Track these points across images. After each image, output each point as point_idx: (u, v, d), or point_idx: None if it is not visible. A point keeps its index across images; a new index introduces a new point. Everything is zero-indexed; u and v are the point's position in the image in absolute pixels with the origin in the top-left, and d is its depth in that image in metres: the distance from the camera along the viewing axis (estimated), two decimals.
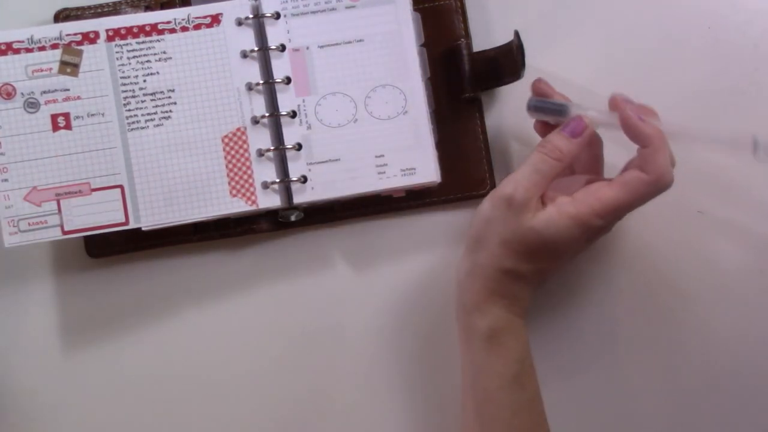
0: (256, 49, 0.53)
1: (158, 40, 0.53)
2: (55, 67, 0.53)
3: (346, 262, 0.57)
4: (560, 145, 0.49)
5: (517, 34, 0.52)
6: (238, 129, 0.54)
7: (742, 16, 0.58)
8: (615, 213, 0.48)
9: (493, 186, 0.55)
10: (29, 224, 0.52)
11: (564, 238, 0.48)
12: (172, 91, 0.53)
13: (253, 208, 0.53)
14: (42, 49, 0.53)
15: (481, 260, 0.49)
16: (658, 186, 0.47)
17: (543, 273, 0.50)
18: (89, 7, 0.56)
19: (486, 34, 0.57)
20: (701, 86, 0.57)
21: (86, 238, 0.55)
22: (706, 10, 0.58)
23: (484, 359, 0.49)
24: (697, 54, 0.58)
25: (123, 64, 0.53)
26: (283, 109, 0.54)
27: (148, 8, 0.56)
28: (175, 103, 0.53)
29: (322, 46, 0.54)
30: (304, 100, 0.54)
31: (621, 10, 0.58)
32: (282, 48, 0.54)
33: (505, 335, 0.49)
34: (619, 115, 0.48)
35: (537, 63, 0.55)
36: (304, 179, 0.53)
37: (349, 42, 0.54)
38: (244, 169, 0.53)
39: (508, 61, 0.54)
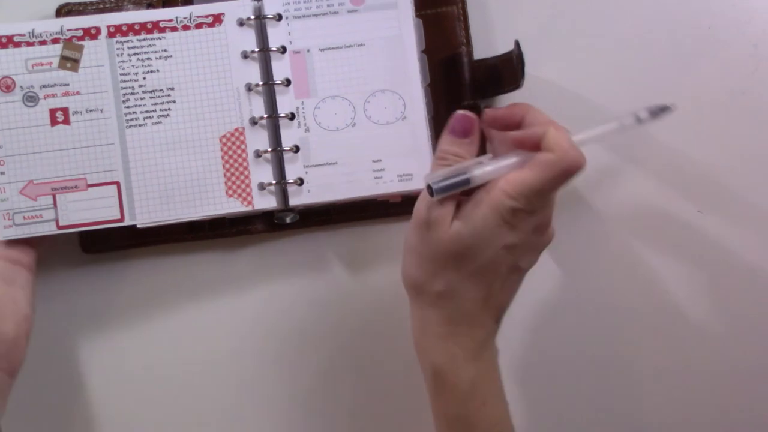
0: (256, 50, 0.53)
1: (159, 38, 0.53)
2: (56, 61, 0.53)
3: (342, 264, 0.57)
4: (452, 150, 0.48)
5: (517, 43, 0.52)
6: (237, 129, 0.54)
7: (742, 16, 0.58)
8: (527, 193, 0.45)
9: None
10: (24, 218, 0.52)
11: (484, 231, 0.46)
12: (172, 89, 0.53)
13: (249, 209, 0.53)
14: (43, 43, 0.53)
15: (419, 302, 0.48)
16: (565, 161, 0.45)
17: (481, 284, 0.47)
18: (91, 3, 0.56)
19: (487, 41, 0.57)
20: (701, 86, 0.58)
21: (81, 233, 0.55)
22: (706, 10, 0.58)
23: (432, 400, 0.49)
24: (697, 54, 0.58)
25: (123, 61, 0.53)
26: (282, 110, 0.54)
27: (151, 6, 0.56)
28: (174, 102, 0.53)
29: (322, 49, 0.54)
30: (303, 103, 0.54)
31: (621, 11, 0.58)
32: (283, 50, 0.54)
33: (447, 374, 0.48)
34: (510, 138, 0.48)
35: (537, 72, 0.55)
36: (300, 182, 0.53)
37: (350, 46, 0.54)
38: (241, 169, 0.53)
39: (508, 70, 0.54)
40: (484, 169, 0.47)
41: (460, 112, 0.49)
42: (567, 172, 0.46)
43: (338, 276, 0.57)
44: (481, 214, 0.46)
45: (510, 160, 0.47)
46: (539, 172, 0.45)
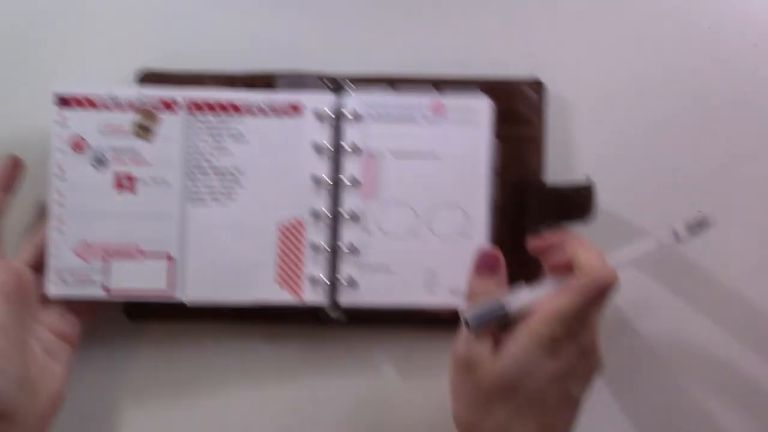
0: (330, 145, 0.53)
1: (236, 120, 0.53)
2: (130, 128, 0.53)
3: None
4: (482, 288, 0.50)
5: (589, 179, 0.52)
6: (297, 220, 0.53)
7: (742, 16, 0.58)
8: (563, 319, 0.46)
9: None
10: (75, 278, 0.52)
11: (526, 363, 0.46)
12: (240, 172, 0.53)
13: (298, 301, 0.53)
14: (120, 108, 0.53)
15: None
16: (598, 282, 0.46)
17: (533, 418, 0.47)
18: (173, 73, 0.56)
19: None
20: (701, 86, 0.58)
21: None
22: (706, 10, 0.58)
23: None
24: (697, 54, 0.58)
25: (197, 137, 0.53)
26: (346, 209, 0.53)
27: (231, 85, 0.56)
28: (240, 184, 0.53)
29: (396, 155, 0.54)
30: (367, 204, 0.54)
31: (622, 12, 0.58)
32: (356, 149, 0.54)
33: None
34: (529, 246, 0.50)
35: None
36: (353, 282, 0.53)
37: (424, 155, 0.54)
38: (295, 261, 0.53)
39: (579, 201, 0.53)
40: (520, 298, 0.48)
41: (485, 248, 0.51)
42: (600, 292, 0.46)
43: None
44: (521, 345, 0.46)
45: (545, 287, 0.48)
46: (573, 296, 0.46)
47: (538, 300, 0.47)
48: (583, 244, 0.49)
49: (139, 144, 0.53)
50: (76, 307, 0.53)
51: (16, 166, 0.53)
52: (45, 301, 0.52)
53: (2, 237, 0.52)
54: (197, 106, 0.53)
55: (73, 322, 0.52)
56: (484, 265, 0.51)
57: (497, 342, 0.48)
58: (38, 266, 0.52)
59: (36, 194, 0.55)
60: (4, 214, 0.52)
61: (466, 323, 0.47)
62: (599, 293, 0.46)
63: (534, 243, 0.53)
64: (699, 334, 0.57)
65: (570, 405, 0.48)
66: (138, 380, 0.56)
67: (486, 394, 0.47)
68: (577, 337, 0.47)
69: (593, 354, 0.48)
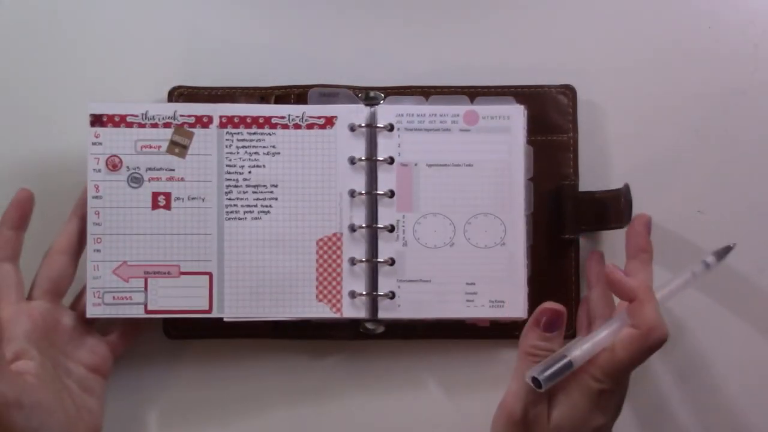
0: (364, 158, 0.53)
1: (269, 134, 0.53)
2: (164, 145, 0.53)
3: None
4: (542, 345, 0.48)
5: (627, 187, 0.52)
6: (335, 234, 0.53)
7: (742, 16, 0.58)
8: (613, 374, 0.47)
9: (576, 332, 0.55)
10: (114, 298, 0.52)
11: (578, 420, 0.47)
12: (276, 186, 0.53)
13: (338, 316, 0.53)
14: (154, 126, 0.53)
15: None
16: (650, 340, 0.46)
17: None
18: (204, 89, 0.56)
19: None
20: (701, 87, 0.57)
21: (165, 318, 0.55)
22: (706, 10, 0.58)
23: None
24: (697, 54, 0.58)
25: (231, 153, 0.53)
26: (382, 222, 0.53)
27: (263, 100, 0.56)
28: (276, 199, 0.53)
29: (430, 165, 0.54)
30: (404, 216, 0.53)
31: (621, 12, 0.58)
32: (390, 161, 0.53)
33: None
34: (606, 273, 0.49)
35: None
36: (392, 295, 0.53)
37: (458, 165, 0.54)
38: (334, 275, 0.53)
39: (614, 208, 0.53)
40: (582, 350, 0.47)
41: (548, 306, 0.49)
42: (652, 349, 0.47)
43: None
44: (574, 402, 0.47)
45: (601, 336, 0.48)
46: (628, 353, 0.47)
47: (598, 350, 0.48)
48: (644, 286, 0.48)
49: (175, 161, 0.53)
50: (108, 338, 0.53)
51: (28, 200, 0.51)
52: (74, 335, 0.51)
53: (21, 277, 0.51)
54: (231, 122, 0.53)
55: (105, 353, 0.52)
56: (547, 324, 0.49)
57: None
58: (58, 292, 0.51)
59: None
60: (19, 252, 0.51)
61: (537, 384, 0.46)
62: (651, 350, 0.47)
63: (610, 274, 0.49)
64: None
65: None
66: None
67: None
68: (619, 389, 0.48)
69: (621, 404, 0.49)
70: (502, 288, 0.53)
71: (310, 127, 0.53)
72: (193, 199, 0.53)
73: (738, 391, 0.56)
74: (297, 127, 0.53)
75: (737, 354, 0.56)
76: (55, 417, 0.46)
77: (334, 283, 0.53)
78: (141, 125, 0.53)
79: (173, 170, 0.53)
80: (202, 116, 0.53)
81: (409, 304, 0.53)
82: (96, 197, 0.52)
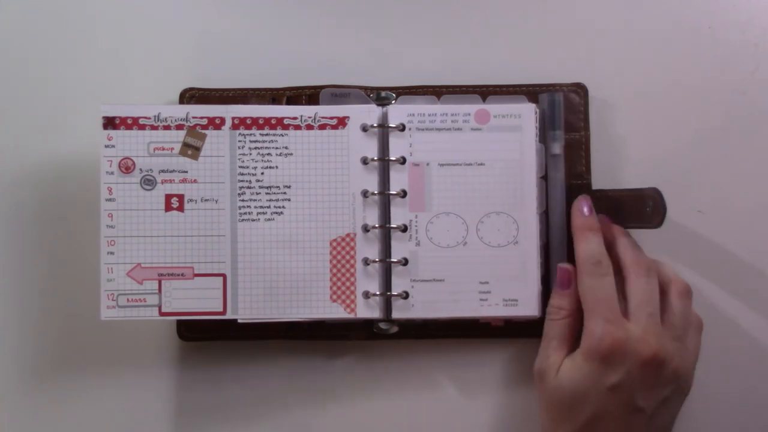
0: (376, 158, 0.53)
1: (282, 135, 0.53)
2: (177, 147, 0.53)
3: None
4: (556, 303, 0.52)
5: (658, 192, 0.51)
6: (348, 235, 0.53)
7: (742, 16, 0.58)
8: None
9: None
10: (128, 300, 0.52)
11: (581, 376, 0.48)
12: (288, 187, 0.53)
13: (352, 316, 0.53)
14: (167, 128, 0.53)
15: None
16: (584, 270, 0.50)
17: None
18: (215, 90, 0.56)
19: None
20: (701, 86, 0.57)
21: (179, 319, 0.55)
22: (706, 10, 0.58)
23: None
24: (697, 54, 0.58)
25: (244, 154, 0.53)
26: (395, 222, 0.53)
27: (275, 101, 0.56)
28: (289, 200, 0.53)
29: (442, 164, 0.54)
30: (416, 216, 0.53)
31: (622, 11, 0.58)
32: (402, 161, 0.53)
33: None
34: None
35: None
36: (405, 295, 0.53)
37: (470, 164, 0.54)
38: (347, 275, 0.53)
39: (633, 206, 0.52)
40: None
41: (559, 266, 0.52)
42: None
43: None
44: (576, 357, 0.48)
45: None
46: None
47: None
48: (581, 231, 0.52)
49: (187, 163, 0.53)
50: None
51: None
52: None
53: None
54: (243, 123, 0.53)
55: None
56: (563, 283, 0.52)
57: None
58: None
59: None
60: None
61: None
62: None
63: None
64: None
65: (640, 417, 0.48)
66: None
67: (553, 407, 0.49)
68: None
69: (663, 366, 0.48)
70: (515, 286, 0.53)
71: (322, 127, 0.53)
72: (207, 200, 0.53)
73: (738, 391, 0.56)
74: (309, 127, 0.53)
75: (737, 354, 0.56)
76: None
77: (347, 283, 0.53)
78: (153, 127, 0.53)
79: (186, 172, 0.53)
80: (215, 118, 0.53)
81: (422, 304, 0.53)
82: (109, 200, 0.52)
